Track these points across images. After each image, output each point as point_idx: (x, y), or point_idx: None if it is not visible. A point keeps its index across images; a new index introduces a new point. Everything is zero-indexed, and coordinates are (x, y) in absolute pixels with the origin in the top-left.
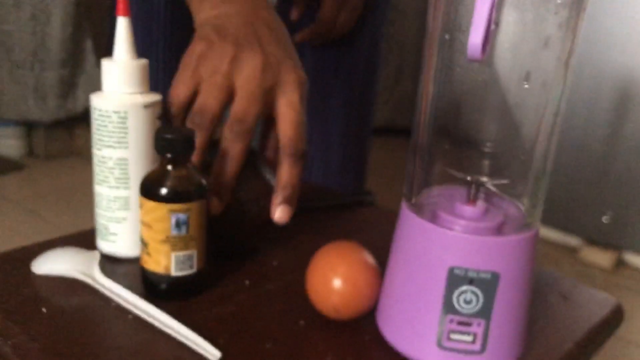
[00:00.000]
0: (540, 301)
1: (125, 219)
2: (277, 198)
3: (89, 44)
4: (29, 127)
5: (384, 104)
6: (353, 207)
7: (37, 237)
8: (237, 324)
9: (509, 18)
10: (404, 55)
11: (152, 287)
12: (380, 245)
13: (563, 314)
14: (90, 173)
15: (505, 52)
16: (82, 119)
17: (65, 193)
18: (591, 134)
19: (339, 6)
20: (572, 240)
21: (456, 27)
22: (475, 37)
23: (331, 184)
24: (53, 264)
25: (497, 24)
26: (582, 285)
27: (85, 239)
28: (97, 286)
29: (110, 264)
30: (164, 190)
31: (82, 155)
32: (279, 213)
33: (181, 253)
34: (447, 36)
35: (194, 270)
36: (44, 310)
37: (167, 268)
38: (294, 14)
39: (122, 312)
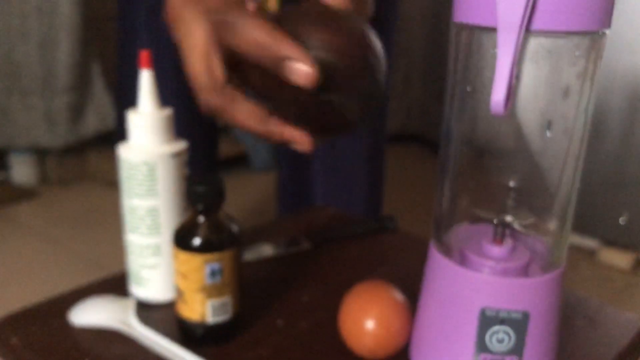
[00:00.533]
0: (567, 325)
1: (158, 265)
2: None
3: (96, 68)
4: (41, 153)
5: (394, 112)
6: (375, 233)
7: (56, 264)
8: None
9: (529, 71)
10: (412, 62)
11: (189, 334)
12: (405, 274)
13: (591, 338)
14: (105, 198)
15: (527, 103)
16: (94, 143)
17: (80, 219)
18: (605, 135)
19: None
20: (590, 243)
21: (477, 80)
22: (498, 94)
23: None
24: (90, 314)
25: (517, 78)
26: (607, 305)
27: (118, 285)
28: (135, 335)
29: (145, 311)
30: (197, 241)
31: (96, 179)
32: None
33: (216, 300)
34: (468, 88)
35: (229, 315)
36: None
37: (203, 315)
38: None
39: None
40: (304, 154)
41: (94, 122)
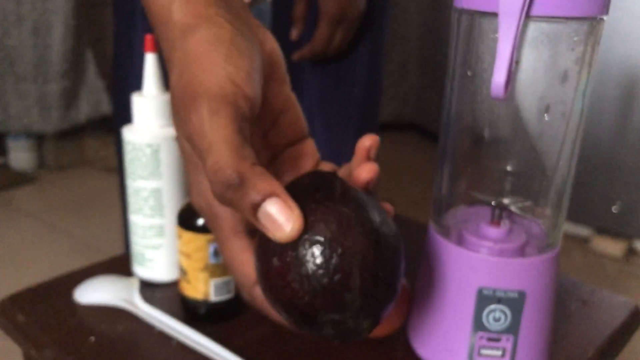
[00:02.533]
0: (561, 308)
1: (161, 245)
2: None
3: (89, 55)
4: (38, 139)
5: (389, 100)
6: None
7: (53, 248)
8: (276, 344)
9: (529, 56)
10: (408, 50)
11: (192, 312)
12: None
13: (584, 320)
14: (101, 183)
15: (526, 87)
16: (92, 129)
17: (78, 203)
18: (599, 124)
19: (335, 24)
20: (583, 231)
21: (478, 64)
22: (498, 77)
23: None
24: (95, 292)
25: (517, 63)
26: (600, 289)
27: (121, 265)
28: (139, 313)
29: (149, 290)
30: (200, 221)
31: (93, 165)
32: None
33: (220, 280)
34: (469, 72)
35: (231, 294)
36: (92, 339)
37: (206, 294)
38: (294, 34)
39: (166, 338)
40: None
41: (86, 107)
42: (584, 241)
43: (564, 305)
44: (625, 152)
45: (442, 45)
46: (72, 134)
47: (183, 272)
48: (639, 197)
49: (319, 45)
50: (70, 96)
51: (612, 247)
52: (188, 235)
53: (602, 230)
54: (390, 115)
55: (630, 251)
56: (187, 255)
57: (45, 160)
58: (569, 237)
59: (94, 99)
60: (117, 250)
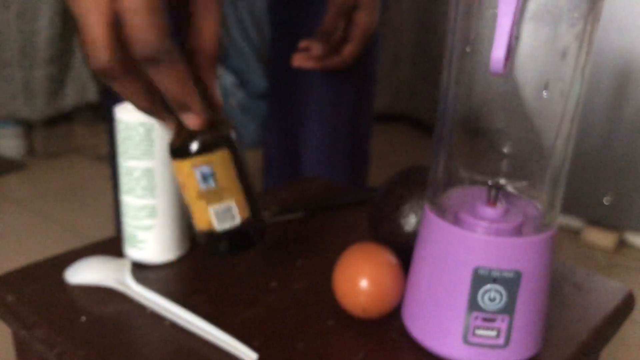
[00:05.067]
0: (556, 292)
1: (153, 226)
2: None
3: (76, 41)
4: (28, 126)
5: (382, 91)
6: (364, 203)
7: (42, 235)
8: (270, 325)
9: (529, 31)
10: (401, 41)
11: (210, 247)
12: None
13: (578, 304)
14: (91, 170)
15: (525, 63)
16: (81, 116)
17: (68, 191)
18: (591, 115)
19: (340, 15)
20: (574, 222)
21: (477, 41)
22: (498, 52)
23: (337, 177)
24: (86, 273)
25: (517, 38)
26: (595, 274)
27: (112, 246)
28: (131, 294)
29: (141, 271)
30: (183, 147)
31: (82, 152)
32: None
33: (218, 205)
34: (467, 49)
35: (236, 221)
36: (83, 319)
37: (210, 223)
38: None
39: (158, 318)
40: (293, 128)
41: (73, 94)
42: (575, 232)
43: (559, 289)
44: (616, 144)
45: (435, 36)
46: (61, 121)
47: (187, 207)
48: (630, 189)
49: (323, 35)
50: (57, 83)
51: (603, 238)
52: (175, 164)
53: (593, 222)
54: (383, 107)
55: (621, 243)
56: (182, 186)
57: (34, 147)
58: (560, 229)
59: (80, 86)
60: (107, 236)
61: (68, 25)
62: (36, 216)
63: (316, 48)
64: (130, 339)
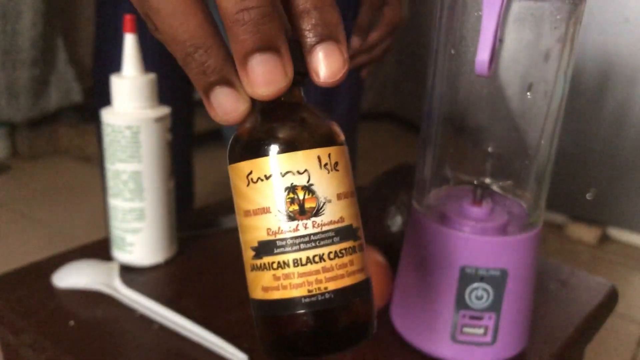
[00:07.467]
0: (541, 289)
1: (141, 229)
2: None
3: (60, 42)
4: (11, 127)
5: (367, 89)
6: None
7: (31, 239)
8: None
9: (512, 34)
10: None
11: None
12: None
13: (563, 299)
14: (76, 172)
15: (509, 65)
16: (66, 117)
17: (53, 193)
18: (572, 111)
19: (372, 10)
20: (558, 218)
21: (462, 43)
22: (482, 55)
23: None
24: (74, 277)
25: (501, 41)
26: (578, 270)
27: (100, 250)
28: (120, 297)
29: (129, 274)
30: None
31: (67, 153)
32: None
33: None
34: (452, 51)
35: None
36: (72, 323)
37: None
38: (355, 42)
39: (147, 321)
40: None
41: (57, 96)
42: (558, 228)
43: (544, 286)
44: (598, 141)
45: (419, 35)
46: (45, 122)
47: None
48: (612, 184)
49: (363, 23)
50: (40, 84)
51: (586, 233)
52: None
53: (576, 217)
54: (368, 105)
55: (604, 237)
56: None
57: (17, 149)
58: (544, 224)
59: (64, 87)
60: (93, 239)
61: (51, 26)
62: (21, 218)
63: (355, 41)
64: (120, 343)
